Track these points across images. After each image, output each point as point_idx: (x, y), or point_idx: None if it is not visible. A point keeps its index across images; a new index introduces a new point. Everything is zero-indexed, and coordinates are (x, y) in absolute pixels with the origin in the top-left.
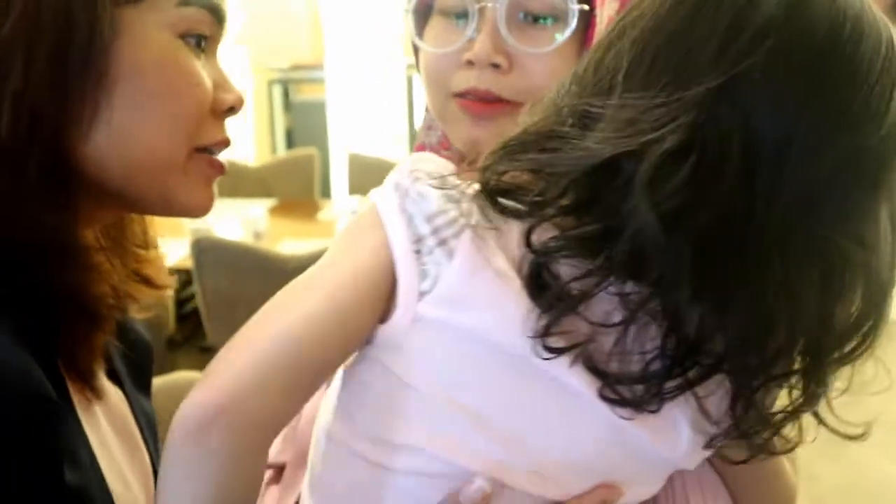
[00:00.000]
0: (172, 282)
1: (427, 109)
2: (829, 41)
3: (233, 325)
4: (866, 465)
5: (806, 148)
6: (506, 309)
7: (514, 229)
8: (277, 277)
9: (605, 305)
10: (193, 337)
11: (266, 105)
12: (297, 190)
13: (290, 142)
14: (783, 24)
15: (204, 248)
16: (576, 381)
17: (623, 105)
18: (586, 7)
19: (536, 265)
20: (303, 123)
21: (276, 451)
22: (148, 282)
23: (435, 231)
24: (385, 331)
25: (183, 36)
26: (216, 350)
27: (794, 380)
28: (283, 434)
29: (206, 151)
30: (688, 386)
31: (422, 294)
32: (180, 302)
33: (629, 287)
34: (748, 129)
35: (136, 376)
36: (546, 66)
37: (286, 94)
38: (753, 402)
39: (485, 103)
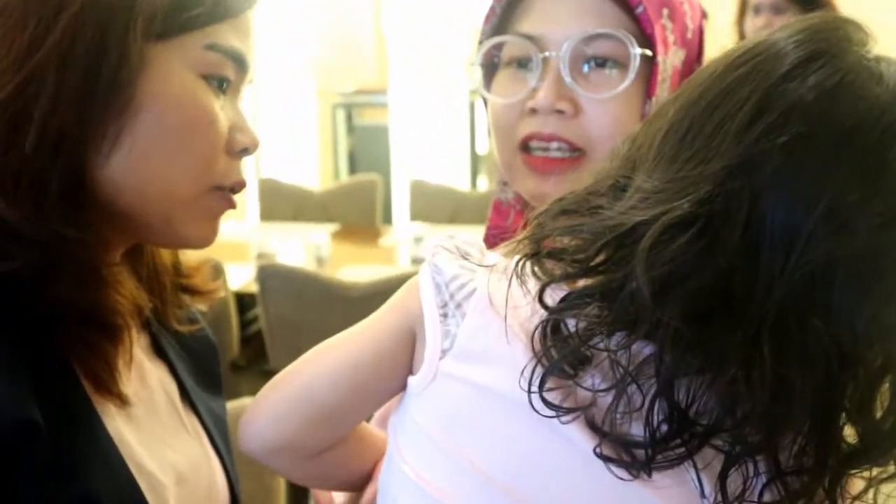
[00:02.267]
0: (219, 287)
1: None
2: (855, 135)
3: (295, 349)
4: None
5: (814, 238)
6: (511, 361)
7: (523, 292)
8: (339, 304)
9: (605, 366)
10: (257, 360)
11: (330, 129)
12: (359, 215)
13: (353, 166)
14: (810, 107)
15: (268, 274)
16: (575, 436)
17: (650, 177)
18: (648, 53)
19: (544, 320)
20: (365, 147)
21: None
22: (192, 291)
23: (452, 296)
24: (413, 381)
25: (205, 76)
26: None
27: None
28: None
29: (219, 190)
30: (687, 455)
31: (443, 352)
32: (244, 325)
33: (623, 348)
34: (756, 210)
35: (203, 377)
36: (610, 113)
37: (349, 118)
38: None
39: (548, 160)
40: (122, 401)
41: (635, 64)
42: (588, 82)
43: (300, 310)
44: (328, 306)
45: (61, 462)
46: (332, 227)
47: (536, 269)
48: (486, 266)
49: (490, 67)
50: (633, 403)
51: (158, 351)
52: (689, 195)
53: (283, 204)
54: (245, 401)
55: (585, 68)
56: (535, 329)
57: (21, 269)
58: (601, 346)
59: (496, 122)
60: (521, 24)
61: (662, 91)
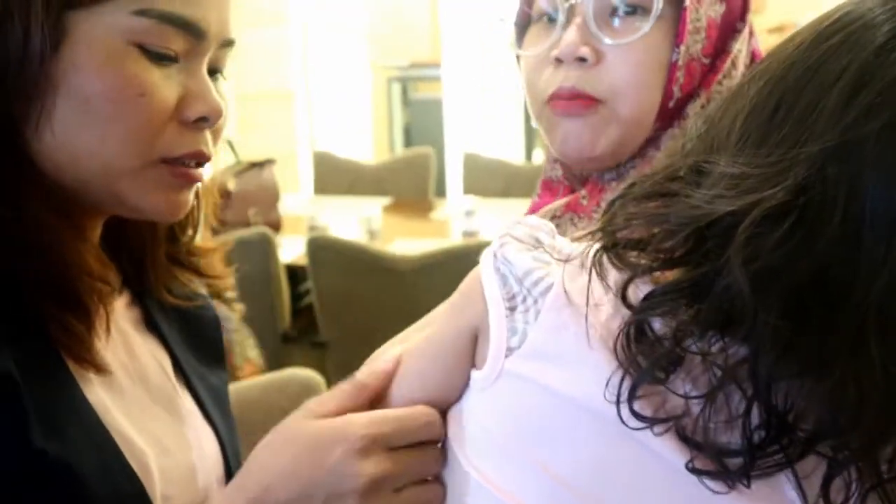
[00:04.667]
0: (229, 273)
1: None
2: None
3: (345, 321)
4: None
5: None
6: (594, 367)
7: (604, 288)
8: (388, 276)
9: (696, 371)
10: (307, 332)
11: (385, 103)
12: (412, 188)
13: (408, 139)
14: None
15: (319, 247)
16: (664, 450)
17: (736, 161)
18: None
19: (629, 321)
20: (420, 121)
21: None
22: (196, 271)
23: (528, 291)
24: (476, 376)
25: (141, 45)
26: (328, 345)
27: None
28: None
29: (175, 162)
30: (787, 464)
31: (510, 350)
32: (298, 297)
33: (718, 350)
34: (856, 197)
35: (202, 350)
36: (631, 59)
37: (405, 92)
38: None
39: (570, 100)
40: (98, 369)
41: (658, 7)
42: (613, 29)
43: (349, 282)
44: (377, 279)
45: (37, 419)
46: (384, 201)
47: (616, 261)
48: (562, 259)
49: (523, 25)
50: (729, 409)
51: (151, 324)
52: (782, 182)
53: (337, 177)
54: (293, 371)
55: (616, 20)
56: (619, 333)
57: None
58: (694, 348)
59: (526, 76)
60: None
61: (695, 43)
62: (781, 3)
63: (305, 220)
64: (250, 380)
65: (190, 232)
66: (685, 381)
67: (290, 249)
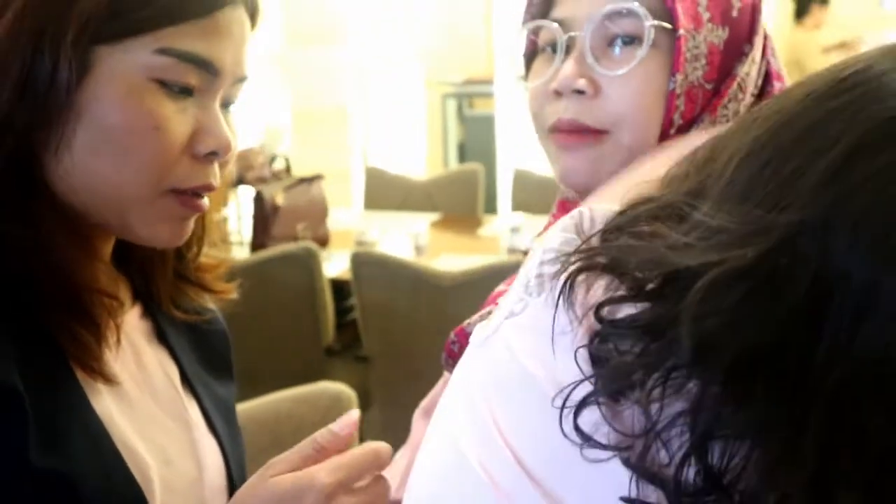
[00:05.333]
0: (232, 289)
1: None
2: None
3: (387, 335)
4: None
5: (888, 317)
6: (560, 359)
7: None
8: (430, 292)
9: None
10: (351, 346)
11: (439, 119)
12: (461, 204)
13: (462, 156)
14: None
15: (362, 262)
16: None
17: (716, 211)
18: (667, 26)
19: (593, 335)
20: (475, 137)
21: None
22: (200, 286)
23: (541, 267)
24: (478, 328)
25: (161, 81)
26: (371, 359)
27: None
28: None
29: (184, 193)
30: None
31: (511, 314)
32: (345, 311)
33: (658, 395)
34: (825, 274)
35: (211, 362)
36: (629, 89)
37: (460, 108)
38: None
39: (570, 133)
40: (107, 380)
41: (649, 37)
42: (611, 61)
43: (392, 297)
44: (419, 294)
45: (41, 432)
46: (433, 217)
47: (590, 283)
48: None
49: (531, 57)
50: (669, 454)
51: (161, 335)
52: (752, 245)
53: (388, 193)
54: (324, 385)
55: (616, 50)
56: (581, 346)
57: None
58: (637, 388)
59: (529, 107)
60: (555, 8)
61: (694, 70)
62: (844, 18)
63: (354, 234)
64: (282, 393)
65: (195, 249)
66: (635, 413)
67: (337, 264)
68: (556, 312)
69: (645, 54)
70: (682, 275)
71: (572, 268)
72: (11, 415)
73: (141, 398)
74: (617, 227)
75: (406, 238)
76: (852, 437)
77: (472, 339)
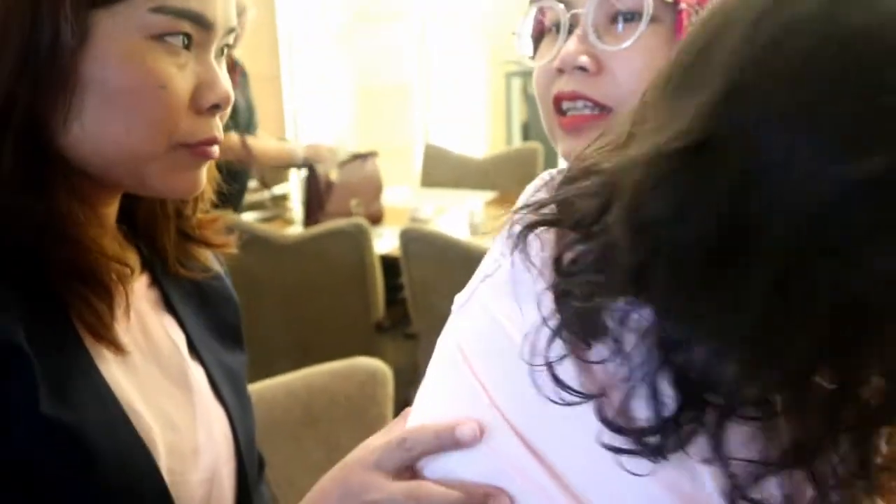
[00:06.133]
0: (232, 241)
1: None
2: (862, 45)
3: (435, 313)
4: None
5: (809, 170)
6: (525, 311)
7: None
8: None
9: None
10: (400, 323)
11: (503, 98)
12: (519, 184)
13: (526, 135)
14: (812, 20)
15: (411, 239)
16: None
17: (653, 115)
18: (668, 0)
19: (552, 285)
20: (539, 117)
21: None
22: (202, 242)
23: (511, 227)
24: (457, 297)
25: (158, 37)
26: (419, 337)
27: None
28: None
29: (187, 146)
30: (704, 431)
31: (486, 276)
32: (394, 288)
33: (624, 314)
34: (752, 140)
35: (220, 330)
36: (632, 65)
37: (525, 88)
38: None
39: (575, 117)
40: (116, 348)
41: (648, 10)
42: (613, 37)
43: (441, 274)
44: (468, 272)
45: (49, 385)
46: (488, 195)
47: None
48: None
49: (539, 37)
50: (645, 386)
51: (168, 304)
52: (676, 129)
53: (446, 171)
54: (359, 360)
55: (619, 27)
56: (542, 295)
57: None
58: (608, 316)
59: (535, 87)
60: None
61: None
62: None
63: (409, 212)
64: (318, 367)
65: (192, 206)
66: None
67: (389, 241)
68: (513, 268)
69: (645, 29)
70: (614, 179)
71: (523, 223)
72: (19, 371)
73: (147, 367)
74: (568, 179)
75: (461, 216)
76: (801, 299)
77: (453, 305)
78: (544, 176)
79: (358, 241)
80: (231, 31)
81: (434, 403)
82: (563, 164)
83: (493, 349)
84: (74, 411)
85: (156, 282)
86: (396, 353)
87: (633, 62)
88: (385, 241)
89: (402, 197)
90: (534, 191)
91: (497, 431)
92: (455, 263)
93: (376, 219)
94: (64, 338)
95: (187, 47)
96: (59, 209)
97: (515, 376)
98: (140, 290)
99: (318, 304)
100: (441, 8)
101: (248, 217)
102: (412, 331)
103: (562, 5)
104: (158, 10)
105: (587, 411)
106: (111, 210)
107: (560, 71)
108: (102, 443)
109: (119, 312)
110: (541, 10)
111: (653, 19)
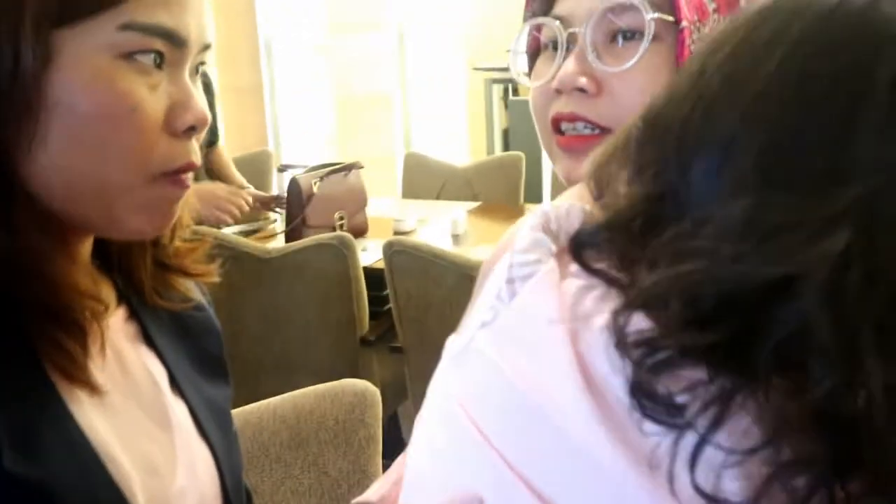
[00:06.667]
0: (213, 270)
1: None
2: None
3: (422, 325)
4: None
5: None
6: (548, 362)
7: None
8: (463, 281)
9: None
10: (386, 336)
11: (483, 105)
12: (502, 193)
13: (507, 142)
14: None
15: (395, 251)
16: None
17: (766, 206)
18: (669, 18)
19: (637, 379)
20: (521, 124)
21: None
22: (180, 271)
23: (511, 271)
24: (451, 340)
25: (128, 55)
26: (405, 351)
27: None
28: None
29: (165, 176)
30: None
31: (483, 324)
32: (379, 301)
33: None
34: None
35: (203, 363)
36: (632, 86)
37: (505, 94)
38: None
39: (573, 137)
40: (92, 388)
41: (650, 30)
42: (612, 56)
43: (426, 287)
44: (452, 283)
45: (13, 437)
46: (471, 205)
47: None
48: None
49: (534, 54)
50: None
51: (147, 338)
52: (836, 224)
53: (427, 180)
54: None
55: (619, 46)
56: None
57: None
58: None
59: (532, 107)
60: (556, 4)
61: None
62: None
63: (392, 222)
64: (305, 389)
65: (169, 234)
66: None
67: (373, 253)
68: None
69: (646, 48)
70: (750, 290)
71: (618, 307)
72: None
73: (125, 406)
74: (608, 228)
75: (444, 226)
76: None
77: (444, 351)
78: (540, 214)
79: (342, 254)
80: (206, 47)
81: (435, 470)
82: (546, 174)
83: (504, 406)
84: (43, 465)
85: (134, 314)
86: (382, 366)
87: (634, 83)
88: (369, 254)
89: (387, 208)
90: (529, 230)
91: (517, 497)
92: (440, 276)
93: (361, 231)
94: (33, 382)
95: (159, 66)
96: (26, 244)
97: (532, 433)
98: (117, 324)
99: (302, 319)
100: (419, 16)
101: (230, 231)
102: (398, 344)
103: (558, 22)
104: (127, 27)
105: (609, 470)
106: (84, 245)
107: (558, 91)
108: (74, 498)
109: (94, 350)
110: (536, 27)
111: (654, 38)
